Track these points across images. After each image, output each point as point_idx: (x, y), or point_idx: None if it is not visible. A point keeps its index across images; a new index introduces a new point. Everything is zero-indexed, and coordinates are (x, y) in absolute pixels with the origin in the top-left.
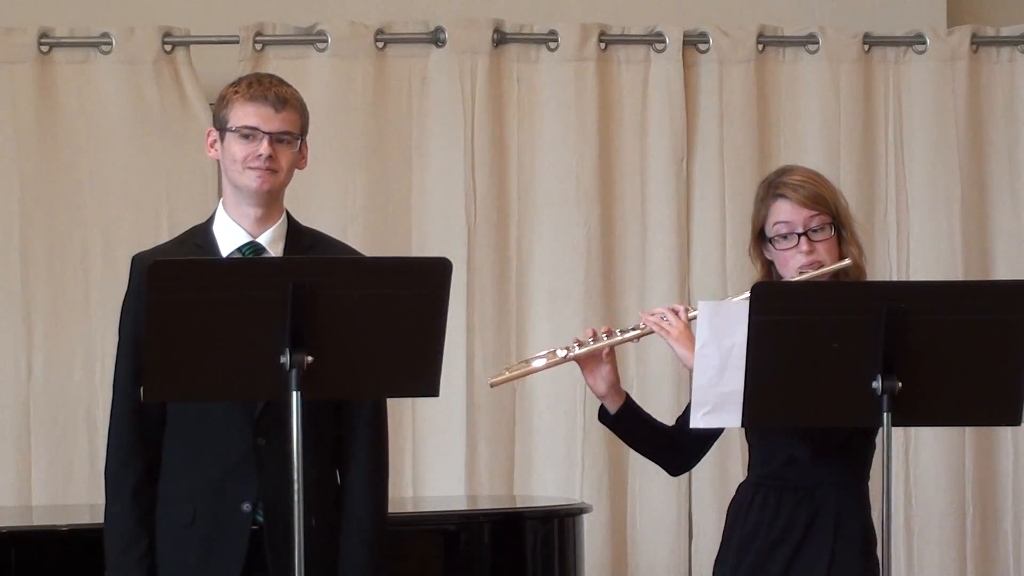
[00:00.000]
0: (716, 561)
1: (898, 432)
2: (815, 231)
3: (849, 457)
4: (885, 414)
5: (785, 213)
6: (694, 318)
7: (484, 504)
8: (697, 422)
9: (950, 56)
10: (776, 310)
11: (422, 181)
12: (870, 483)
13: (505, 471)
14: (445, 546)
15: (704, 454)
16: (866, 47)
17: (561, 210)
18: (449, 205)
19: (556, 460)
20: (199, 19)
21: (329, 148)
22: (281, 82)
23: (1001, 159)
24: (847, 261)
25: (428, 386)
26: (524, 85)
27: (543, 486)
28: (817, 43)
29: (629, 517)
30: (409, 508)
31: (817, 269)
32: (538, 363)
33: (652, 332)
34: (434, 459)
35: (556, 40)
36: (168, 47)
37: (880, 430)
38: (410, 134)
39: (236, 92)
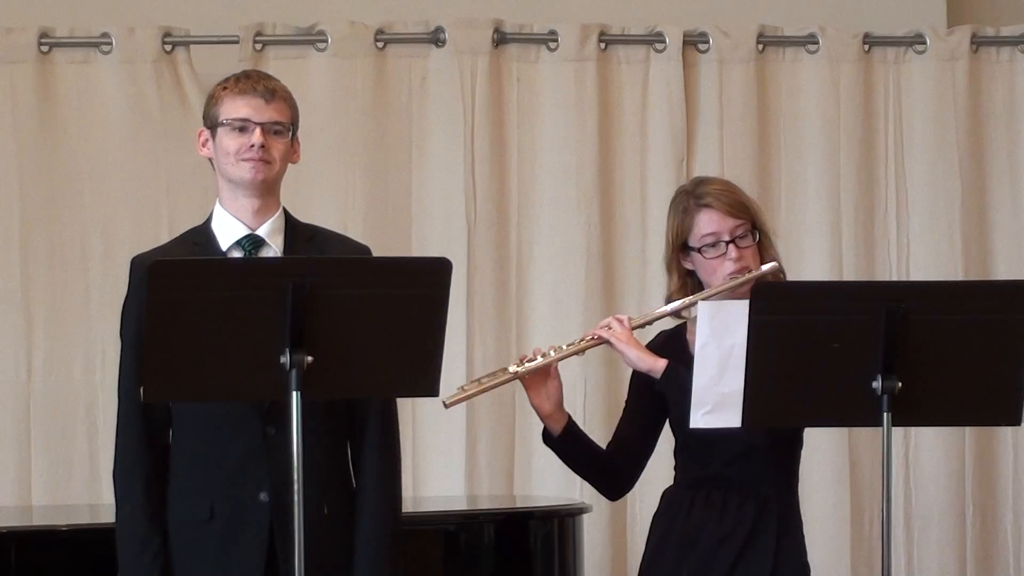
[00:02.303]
0: (646, 564)
1: (898, 432)
2: (741, 238)
3: (787, 452)
4: (885, 414)
5: (712, 223)
6: (637, 327)
7: (484, 504)
8: (697, 422)
9: (950, 56)
10: (776, 310)
11: (422, 181)
12: (869, 483)
13: (505, 471)
14: (445, 546)
15: (639, 473)
16: (866, 47)
17: (561, 210)
18: (449, 205)
19: (556, 460)
20: (199, 19)
21: (329, 148)
22: (269, 76)
23: (1001, 159)
24: (774, 264)
25: (428, 386)
26: (524, 85)
27: (543, 486)
28: (817, 43)
29: (629, 517)
30: (409, 508)
31: (747, 274)
32: (489, 382)
33: (597, 343)
34: (434, 459)
35: (556, 40)
36: (168, 47)
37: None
38: (410, 134)
39: (225, 88)
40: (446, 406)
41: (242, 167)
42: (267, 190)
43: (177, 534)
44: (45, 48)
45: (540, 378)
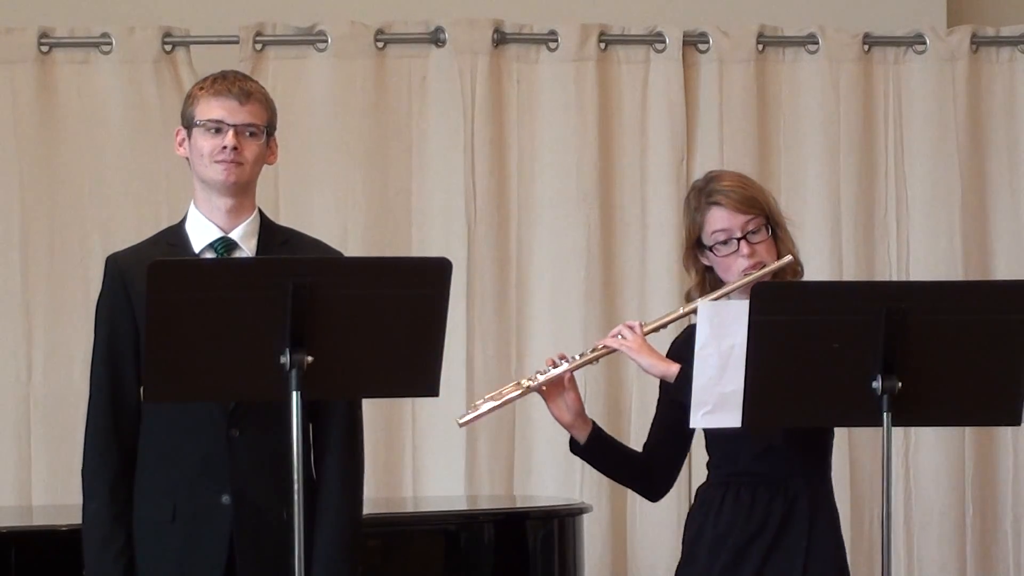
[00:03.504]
0: (681, 563)
1: (898, 432)
2: (753, 233)
3: (817, 445)
4: (885, 414)
5: (722, 220)
6: (651, 331)
7: (484, 504)
8: (697, 422)
9: (950, 56)
10: (776, 310)
11: (422, 181)
12: (869, 482)
13: (505, 471)
14: (445, 546)
15: (676, 475)
16: (866, 47)
17: (561, 210)
18: (449, 205)
19: (556, 460)
20: (199, 19)
21: (329, 148)
22: (246, 78)
23: (1001, 159)
24: (788, 258)
25: (428, 386)
26: (524, 85)
27: (543, 486)
28: (817, 43)
29: (629, 517)
30: (409, 508)
31: (761, 269)
32: (505, 397)
33: (610, 352)
34: (434, 459)
35: (556, 40)
36: (168, 47)
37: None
38: (410, 134)
39: (201, 88)
40: (460, 425)
41: (214, 168)
42: (240, 191)
43: (141, 533)
44: (45, 48)
45: (556, 389)
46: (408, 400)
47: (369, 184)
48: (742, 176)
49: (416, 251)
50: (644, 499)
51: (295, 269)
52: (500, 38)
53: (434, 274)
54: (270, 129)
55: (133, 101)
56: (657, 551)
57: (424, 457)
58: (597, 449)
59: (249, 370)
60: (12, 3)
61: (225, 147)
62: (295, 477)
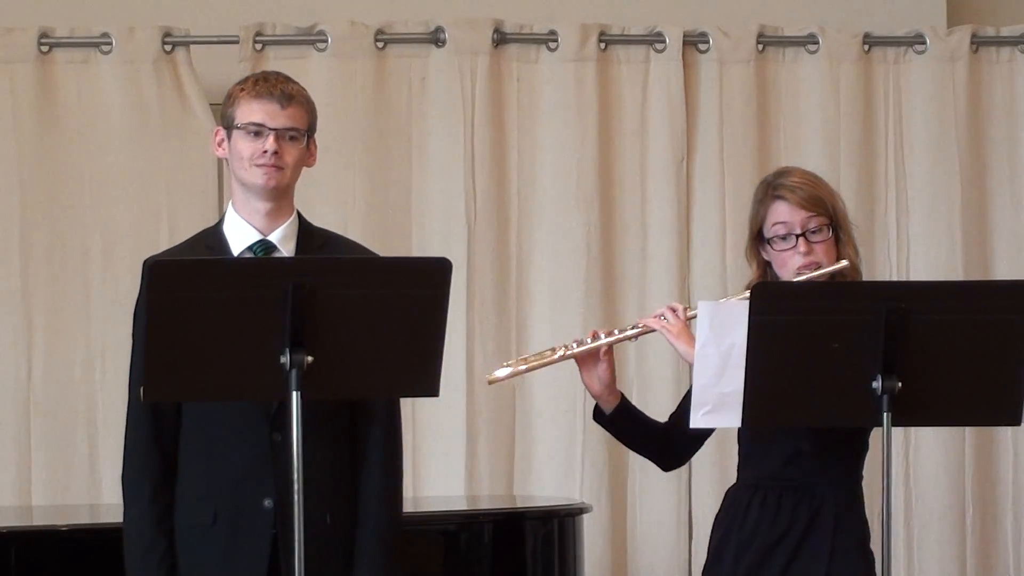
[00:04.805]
0: (707, 566)
1: (898, 432)
2: (813, 232)
3: (847, 453)
4: (885, 414)
5: (783, 214)
6: (693, 317)
7: (484, 504)
8: (697, 422)
9: (950, 56)
10: (776, 310)
11: (422, 181)
12: (868, 483)
13: (505, 471)
14: (445, 546)
15: (696, 450)
16: (866, 47)
17: (561, 210)
18: (449, 205)
19: (556, 460)
20: (199, 19)
21: (329, 148)
22: (288, 79)
23: (1001, 159)
24: (844, 263)
25: (428, 386)
26: (524, 85)
27: (543, 486)
28: (817, 43)
29: (629, 517)
30: (409, 508)
31: (815, 270)
32: (537, 361)
33: (649, 331)
34: (434, 459)
35: (556, 40)
36: (168, 47)
37: (872, 428)
38: (410, 134)
39: (243, 90)
40: (489, 382)
41: (255, 172)
42: (280, 195)
43: (182, 538)
44: (45, 48)
45: (591, 359)
46: (408, 400)
47: (369, 184)
48: (813, 175)
49: (416, 251)
50: (644, 498)
51: (295, 269)
52: (500, 38)
53: (434, 274)
54: (311, 131)
55: (133, 101)
56: (657, 551)
57: (424, 457)
58: (621, 421)
59: (249, 370)
60: (12, 3)
61: (266, 151)
62: (295, 476)
